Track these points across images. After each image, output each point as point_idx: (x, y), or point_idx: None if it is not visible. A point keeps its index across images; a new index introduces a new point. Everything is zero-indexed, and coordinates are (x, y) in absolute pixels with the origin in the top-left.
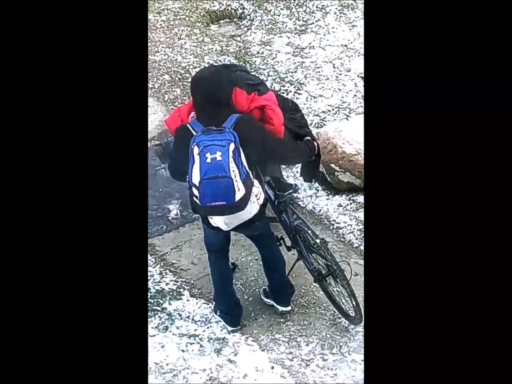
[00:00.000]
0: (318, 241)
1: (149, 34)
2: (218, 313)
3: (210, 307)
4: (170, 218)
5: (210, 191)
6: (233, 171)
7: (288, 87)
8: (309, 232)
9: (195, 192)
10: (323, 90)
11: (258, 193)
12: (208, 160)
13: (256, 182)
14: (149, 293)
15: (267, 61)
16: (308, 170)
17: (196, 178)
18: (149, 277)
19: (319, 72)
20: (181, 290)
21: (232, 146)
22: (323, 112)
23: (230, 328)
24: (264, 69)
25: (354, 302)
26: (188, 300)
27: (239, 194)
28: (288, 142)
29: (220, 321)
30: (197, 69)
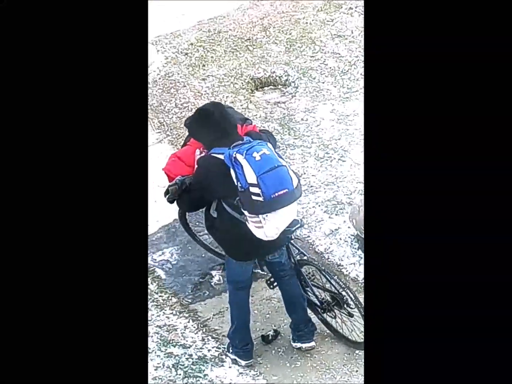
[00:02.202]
0: (325, 268)
1: (194, 100)
2: (231, 351)
3: (253, 374)
4: (212, 283)
5: (271, 182)
6: (282, 161)
7: (332, 154)
8: (315, 262)
9: (255, 190)
10: None
11: None
12: (258, 158)
13: None
14: (191, 360)
15: (311, 128)
16: None
17: (251, 177)
18: (191, 343)
19: (363, 139)
20: (223, 357)
21: (269, 144)
22: None
23: (244, 363)
24: (308, 136)
25: None
26: (230, 367)
27: (295, 180)
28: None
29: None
30: None
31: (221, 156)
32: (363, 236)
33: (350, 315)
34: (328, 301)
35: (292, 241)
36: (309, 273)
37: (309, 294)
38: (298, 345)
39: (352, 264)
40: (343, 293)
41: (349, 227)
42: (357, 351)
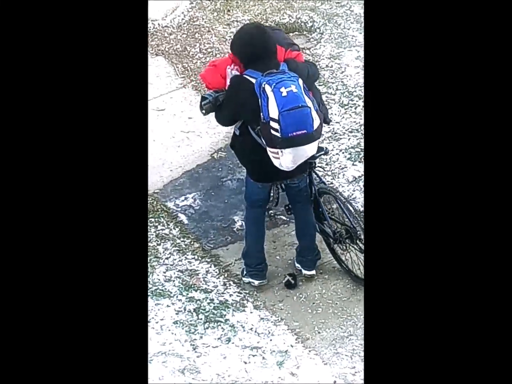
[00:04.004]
0: (343, 199)
1: (218, 45)
2: (245, 273)
3: (275, 319)
4: (235, 229)
5: (291, 121)
6: (308, 101)
7: (357, 101)
8: (334, 192)
9: (275, 125)
10: None
11: None
12: (284, 94)
13: None
14: (212, 304)
15: (336, 74)
16: None
17: (274, 112)
18: (213, 288)
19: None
20: (245, 302)
21: (300, 81)
22: None
23: (257, 282)
24: (333, 83)
25: None
26: (251, 312)
27: (316, 122)
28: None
29: (249, 280)
30: None
31: (253, 80)
32: None
33: (361, 251)
34: (341, 233)
35: (315, 169)
36: (329, 208)
37: (325, 226)
38: (299, 267)
39: None
40: (358, 228)
41: None
42: None
